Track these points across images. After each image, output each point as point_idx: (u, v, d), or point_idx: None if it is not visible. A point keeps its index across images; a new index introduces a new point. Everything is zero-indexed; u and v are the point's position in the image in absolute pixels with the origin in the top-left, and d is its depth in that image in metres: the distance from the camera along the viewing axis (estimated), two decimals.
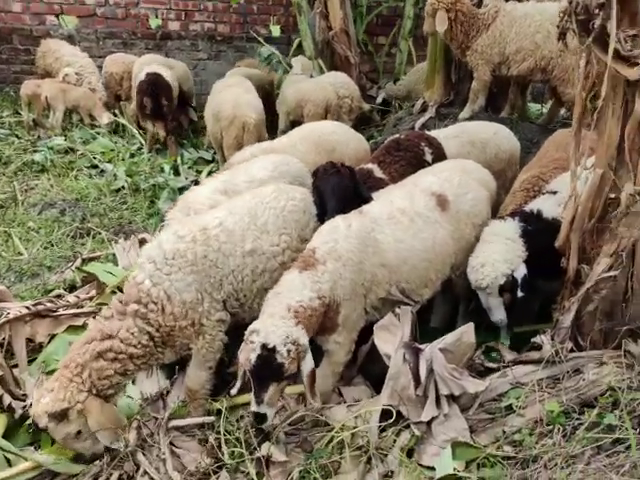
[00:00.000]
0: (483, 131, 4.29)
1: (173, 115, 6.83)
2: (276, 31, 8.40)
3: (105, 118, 7.02)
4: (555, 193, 3.07)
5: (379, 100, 7.36)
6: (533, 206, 3.05)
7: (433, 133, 4.29)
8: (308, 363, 2.30)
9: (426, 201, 2.89)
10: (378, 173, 3.63)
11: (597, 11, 1.96)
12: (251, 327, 2.30)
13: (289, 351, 2.21)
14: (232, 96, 5.67)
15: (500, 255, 2.78)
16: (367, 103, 6.96)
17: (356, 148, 4.42)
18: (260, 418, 2.26)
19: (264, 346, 2.20)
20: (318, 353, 2.59)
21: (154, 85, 6.39)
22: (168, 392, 2.80)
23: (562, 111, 5.70)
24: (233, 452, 2.36)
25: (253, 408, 2.26)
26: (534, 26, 4.74)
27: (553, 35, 4.46)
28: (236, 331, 2.81)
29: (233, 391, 2.41)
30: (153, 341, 2.57)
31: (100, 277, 3.69)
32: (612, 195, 2.35)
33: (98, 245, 4.81)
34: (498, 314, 2.85)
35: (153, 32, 8.42)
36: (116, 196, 5.69)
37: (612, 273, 2.38)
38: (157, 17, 8.42)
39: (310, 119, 5.84)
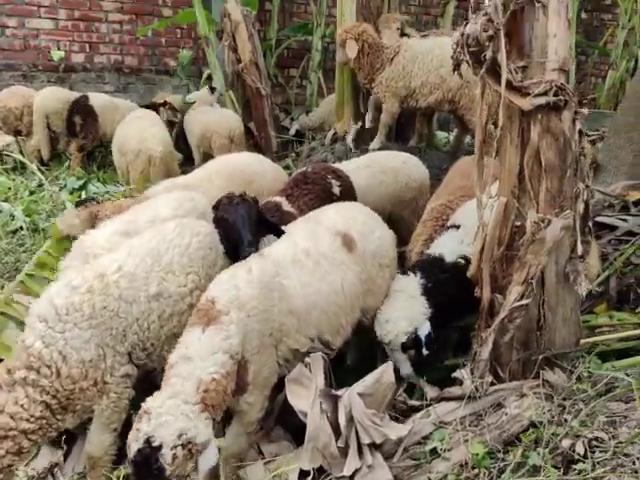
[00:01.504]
0: (393, 160, 4.34)
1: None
2: (185, 58, 8.26)
3: (8, 138, 6.61)
4: (458, 227, 3.08)
5: (292, 132, 7.44)
6: (435, 249, 3.04)
7: (344, 164, 4.28)
8: (209, 459, 1.95)
9: (331, 241, 2.75)
10: (286, 206, 3.54)
11: (487, 43, 1.97)
12: (147, 403, 2.00)
13: (175, 456, 1.86)
14: (137, 129, 5.56)
15: (402, 313, 2.76)
16: (279, 134, 6.99)
17: (274, 179, 4.33)
18: None
19: (147, 440, 1.87)
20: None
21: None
22: (57, 465, 2.48)
23: (467, 138, 5.91)
24: None
25: None
26: (436, 60, 4.91)
27: None
28: (145, 379, 2.59)
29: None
30: (50, 410, 2.26)
31: None
32: (518, 223, 2.35)
33: None
34: (404, 369, 2.79)
35: (55, 64, 8.00)
36: (13, 237, 5.28)
37: (524, 302, 2.36)
38: (59, 49, 8.04)
39: (218, 150, 5.95)
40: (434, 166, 5.07)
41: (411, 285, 2.86)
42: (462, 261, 2.85)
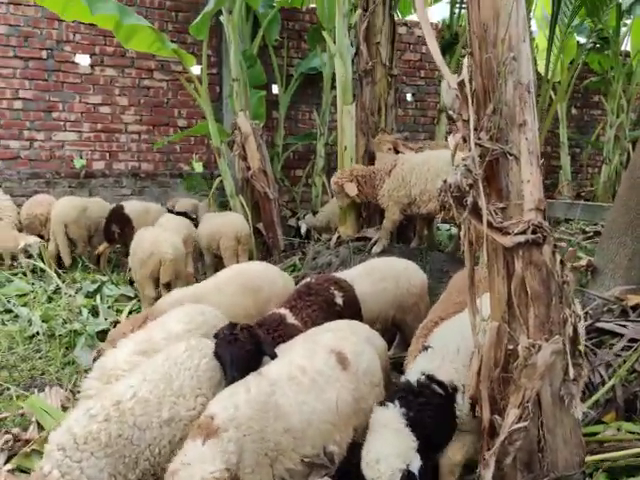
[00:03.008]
0: (394, 267, 4.51)
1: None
2: (198, 167, 8.83)
3: (31, 239, 6.86)
4: (427, 349, 3.05)
5: (303, 231, 7.74)
6: (411, 375, 2.95)
7: (347, 272, 4.48)
8: None
9: (326, 358, 2.86)
10: (290, 319, 3.66)
11: (468, 189, 2.20)
12: None
13: None
14: (151, 234, 5.99)
15: (392, 449, 2.58)
16: (286, 235, 7.31)
17: (283, 286, 4.51)
18: None
19: None
20: None
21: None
22: None
23: None
24: None
25: None
26: (433, 171, 5.26)
27: None
28: None
29: None
30: None
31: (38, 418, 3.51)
32: (510, 346, 2.47)
33: (6, 403, 4.47)
34: None
35: (77, 171, 8.55)
36: (29, 343, 5.41)
37: (522, 424, 2.40)
38: (82, 158, 8.61)
39: (225, 251, 6.37)
40: (435, 268, 5.28)
41: (395, 417, 2.71)
42: (424, 379, 2.82)
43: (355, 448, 2.72)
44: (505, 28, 2.23)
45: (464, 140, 2.31)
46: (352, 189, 5.51)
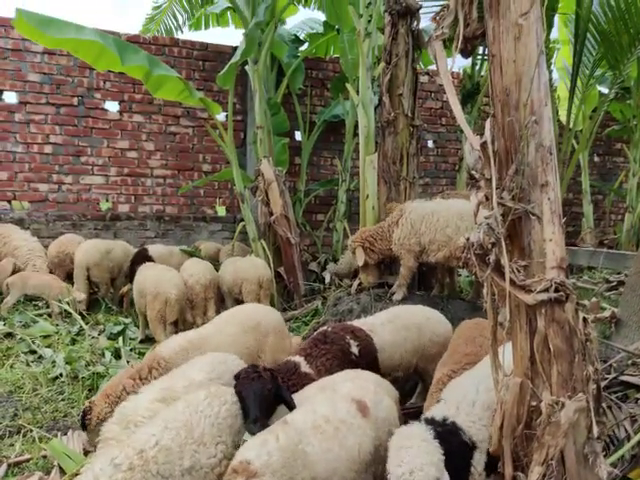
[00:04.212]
0: (416, 316, 4.52)
1: None
2: (222, 211, 9.01)
3: (78, 295, 6.99)
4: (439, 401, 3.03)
5: (327, 279, 7.78)
6: (431, 414, 2.89)
7: (369, 320, 4.49)
8: None
9: (348, 407, 2.89)
10: (305, 367, 3.68)
11: (490, 247, 2.25)
12: None
13: None
14: (155, 273, 6.26)
15: (426, 458, 2.50)
16: (307, 279, 7.37)
17: (277, 319, 4.70)
18: None
19: None
20: None
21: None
22: None
23: None
24: None
25: None
26: (442, 221, 5.33)
27: (462, 229, 5.09)
28: None
29: None
30: None
31: (60, 461, 3.53)
32: (533, 403, 2.46)
33: (29, 445, 4.50)
34: None
35: (103, 214, 8.78)
36: (53, 385, 5.46)
37: None
38: (107, 201, 8.85)
39: (247, 295, 6.47)
40: (456, 317, 5.24)
41: (421, 431, 2.64)
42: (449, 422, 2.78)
43: None
44: (527, 93, 2.31)
45: (487, 199, 2.36)
46: (360, 258, 5.76)
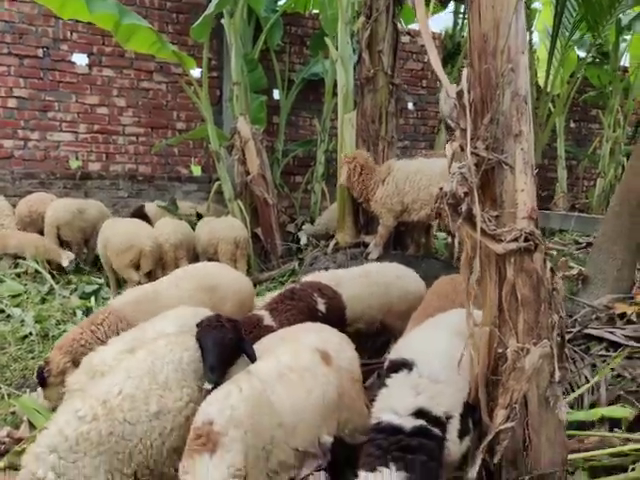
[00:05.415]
0: (386, 273, 4.54)
1: None
2: (197, 170, 8.86)
3: (65, 260, 6.87)
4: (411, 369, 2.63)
5: (303, 241, 7.76)
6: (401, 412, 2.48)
7: (340, 272, 4.53)
8: None
9: (311, 356, 2.91)
10: (268, 320, 3.67)
11: (463, 197, 2.25)
12: None
13: None
14: (129, 226, 6.34)
15: None
16: (285, 240, 7.33)
17: (241, 287, 4.49)
18: None
19: None
20: None
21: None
22: None
23: None
24: None
25: None
26: (425, 179, 5.34)
27: None
28: None
29: None
30: None
31: (30, 417, 3.50)
32: (500, 350, 2.52)
33: None
34: None
35: (72, 172, 8.53)
36: (22, 344, 5.40)
37: (509, 424, 2.46)
38: (77, 159, 8.60)
39: (223, 256, 6.41)
40: (431, 276, 5.29)
41: None
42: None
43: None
44: (504, 39, 2.28)
45: (461, 149, 2.35)
46: (343, 175, 5.64)
